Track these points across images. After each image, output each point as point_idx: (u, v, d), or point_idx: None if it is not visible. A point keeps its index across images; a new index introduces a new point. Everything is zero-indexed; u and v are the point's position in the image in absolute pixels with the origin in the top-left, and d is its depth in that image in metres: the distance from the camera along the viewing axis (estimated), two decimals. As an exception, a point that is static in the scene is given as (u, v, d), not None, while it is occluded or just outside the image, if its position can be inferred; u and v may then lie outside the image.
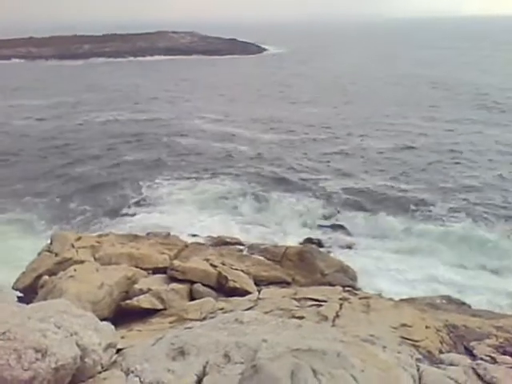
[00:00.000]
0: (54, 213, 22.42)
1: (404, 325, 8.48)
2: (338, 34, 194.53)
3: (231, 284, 12.26)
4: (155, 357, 3.97)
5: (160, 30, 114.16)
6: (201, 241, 18.07)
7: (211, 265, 12.98)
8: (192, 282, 12.17)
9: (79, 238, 15.22)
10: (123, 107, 46.54)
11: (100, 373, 3.84)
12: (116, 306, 11.24)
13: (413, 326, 8.39)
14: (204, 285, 12.16)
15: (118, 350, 4.31)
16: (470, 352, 7.55)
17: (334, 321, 8.54)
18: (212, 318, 7.82)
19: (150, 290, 11.43)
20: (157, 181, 26.03)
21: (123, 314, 10.90)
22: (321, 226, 20.21)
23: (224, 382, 3.66)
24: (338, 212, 21.45)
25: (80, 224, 21.32)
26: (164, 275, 12.63)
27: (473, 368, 4.78)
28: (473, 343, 7.91)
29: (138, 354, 4.09)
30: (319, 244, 18.23)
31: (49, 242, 15.17)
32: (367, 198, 23.11)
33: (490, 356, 6.87)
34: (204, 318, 9.24)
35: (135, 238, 17.26)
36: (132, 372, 3.76)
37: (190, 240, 18.06)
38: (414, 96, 50.15)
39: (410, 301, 12.24)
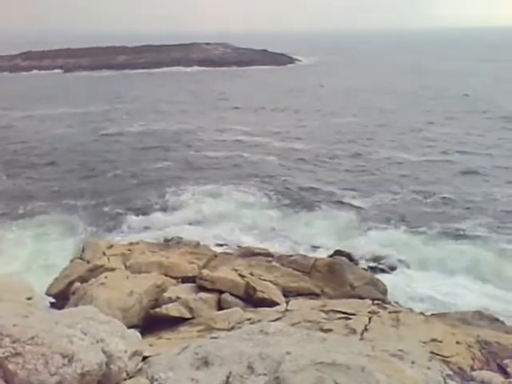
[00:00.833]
0: (90, 214, 23.45)
1: (434, 340, 8.32)
2: (372, 45, 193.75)
3: (259, 294, 12.23)
4: (180, 366, 3.99)
5: (194, 41, 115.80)
6: (230, 251, 18.13)
7: (240, 275, 12.99)
8: (220, 292, 12.20)
9: (111, 246, 15.48)
10: (154, 117, 47.40)
11: (125, 380, 3.86)
12: (145, 314, 11.36)
13: (443, 342, 8.22)
14: (232, 295, 12.17)
15: (145, 358, 4.34)
16: (503, 370, 7.34)
17: (362, 334, 8.44)
18: (239, 328, 7.81)
19: (178, 298, 11.51)
20: (184, 188, 26.50)
21: (152, 322, 11.02)
22: (350, 239, 19.99)
23: (247, 394, 3.65)
24: (368, 225, 21.21)
25: (111, 227, 22.12)
26: (193, 284, 12.69)
27: (504, 387, 4.64)
28: (506, 361, 7.69)
29: (163, 363, 4.11)
30: (349, 256, 18.01)
31: (81, 249, 15.51)
32: (397, 211, 22.82)
33: (523, 375, 6.66)
34: (232, 328, 9.24)
35: (165, 246, 17.47)
36: (156, 380, 3.79)
37: (219, 250, 18.16)
38: (443, 108, 49.22)
39: (441, 316, 11.96)
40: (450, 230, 20.50)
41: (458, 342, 8.32)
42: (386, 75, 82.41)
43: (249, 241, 19.49)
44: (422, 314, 11.15)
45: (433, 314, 11.96)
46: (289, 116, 48.17)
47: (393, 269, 17.65)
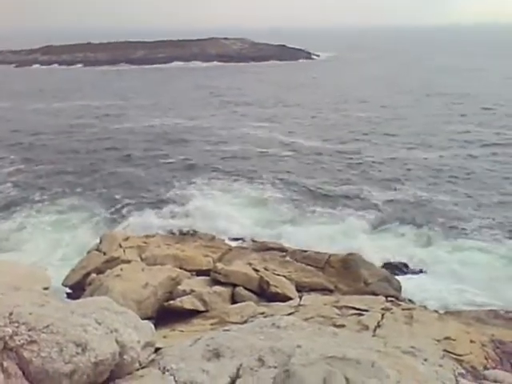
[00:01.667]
0: (104, 205, 23.87)
1: (448, 338, 8.28)
2: (392, 41, 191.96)
3: (273, 289, 12.28)
4: (191, 357, 4.04)
5: (212, 36, 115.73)
6: (244, 245, 18.19)
7: (254, 269, 13.05)
8: (234, 286, 12.27)
9: (127, 239, 15.65)
10: (170, 112, 47.65)
11: (138, 370, 3.92)
12: (159, 306, 11.48)
13: (457, 340, 8.18)
14: (246, 289, 12.23)
15: (158, 349, 4.40)
16: (516, 370, 7.28)
17: (374, 331, 8.43)
18: (252, 321, 7.86)
19: (192, 291, 11.60)
20: (198, 182, 26.62)
21: (166, 314, 11.12)
22: (364, 235, 19.87)
23: (256, 386, 3.69)
24: (383, 222, 21.09)
25: (125, 215, 22.61)
26: (207, 277, 12.79)
27: (517, 386, 4.62)
28: (520, 360, 7.63)
29: (175, 354, 4.17)
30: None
31: (98, 241, 15.69)
32: (412, 209, 22.57)
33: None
34: (245, 322, 9.28)
35: (181, 239, 17.62)
36: (167, 371, 3.84)
37: (234, 244, 18.22)
38: (459, 109, 48.42)
39: (455, 314, 11.90)
40: (463, 230, 20.26)
41: (471, 341, 8.27)
42: (399, 70, 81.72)
43: (263, 235, 19.49)
44: (435, 311, 11.10)
45: (447, 312, 11.90)
46: (303, 111, 47.97)
47: (406, 268, 17.54)
